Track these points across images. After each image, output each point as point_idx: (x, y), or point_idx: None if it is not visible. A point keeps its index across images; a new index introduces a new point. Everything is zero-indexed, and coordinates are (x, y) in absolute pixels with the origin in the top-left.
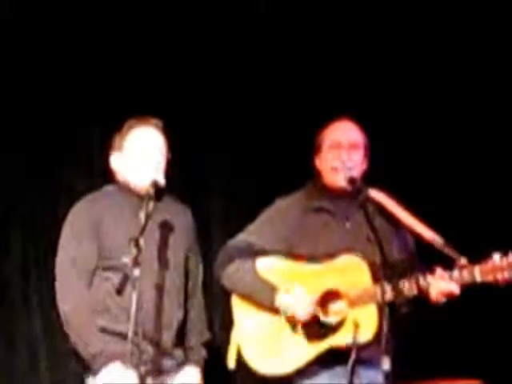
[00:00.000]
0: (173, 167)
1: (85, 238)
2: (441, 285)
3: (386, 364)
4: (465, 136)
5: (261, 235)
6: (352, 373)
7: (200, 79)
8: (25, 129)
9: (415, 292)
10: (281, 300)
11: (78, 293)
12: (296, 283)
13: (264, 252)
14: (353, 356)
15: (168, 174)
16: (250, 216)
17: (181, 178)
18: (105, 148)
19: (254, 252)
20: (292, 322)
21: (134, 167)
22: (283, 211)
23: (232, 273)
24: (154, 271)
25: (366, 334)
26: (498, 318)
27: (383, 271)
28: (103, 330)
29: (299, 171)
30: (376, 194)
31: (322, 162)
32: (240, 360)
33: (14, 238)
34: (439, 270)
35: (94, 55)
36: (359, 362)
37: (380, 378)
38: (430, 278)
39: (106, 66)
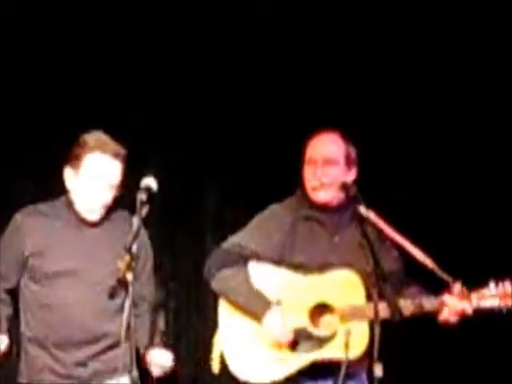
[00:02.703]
0: (168, 171)
1: (7, 253)
2: (456, 304)
3: (379, 371)
4: (459, 158)
5: (254, 239)
6: None
7: (200, 79)
8: (24, 130)
9: (411, 310)
10: (267, 321)
11: None
12: (287, 305)
13: (257, 256)
14: (343, 370)
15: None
16: (244, 219)
17: (175, 182)
18: None
19: (246, 256)
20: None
21: (83, 194)
22: (276, 217)
23: (225, 278)
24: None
25: (356, 350)
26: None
27: (377, 284)
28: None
29: (295, 175)
30: (365, 212)
31: (305, 178)
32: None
33: None
34: (448, 294)
35: (94, 56)
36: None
37: None
38: (444, 297)
39: (106, 66)
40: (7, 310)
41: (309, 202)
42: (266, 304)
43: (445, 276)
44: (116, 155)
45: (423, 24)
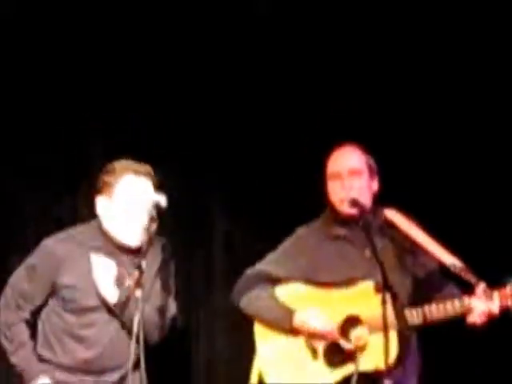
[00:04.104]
0: (176, 191)
1: (37, 278)
2: (481, 306)
3: None
4: (483, 160)
5: (279, 265)
6: None
7: (200, 79)
8: (24, 130)
9: (419, 321)
10: (299, 318)
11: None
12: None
13: (281, 281)
14: (354, 381)
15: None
16: (253, 239)
17: (183, 202)
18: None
19: (270, 281)
20: (313, 342)
21: (122, 219)
22: (302, 241)
23: (251, 299)
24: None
25: (382, 361)
26: None
27: (387, 295)
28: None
29: (301, 195)
30: (392, 215)
31: (330, 194)
32: None
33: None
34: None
35: (94, 56)
36: None
37: None
38: (467, 300)
39: (106, 66)
40: (30, 331)
41: (336, 219)
42: (290, 310)
43: (469, 278)
44: (148, 175)
45: (426, 25)
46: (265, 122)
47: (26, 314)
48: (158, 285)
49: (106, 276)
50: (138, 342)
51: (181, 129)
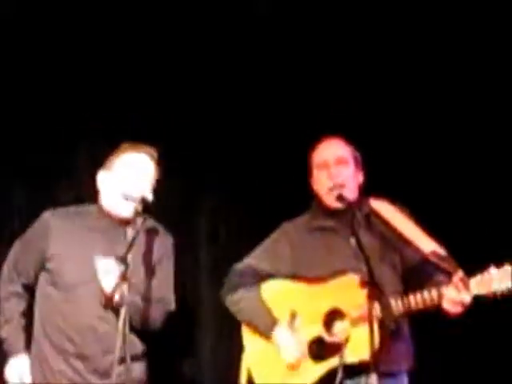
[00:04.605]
0: (161, 187)
1: (30, 249)
2: (454, 295)
3: (374, 381)
4: (465, 150)
5: (266, 260)
6: None
7: (200, 79)
8: (24, 130)
9: (399, 311)
10: (275, 337)
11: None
12: (301, 315)
13: (268, 275)
14: (339, 374)
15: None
16: (238, 236)
17: (169, 198)
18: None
19: (258, 276)
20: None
21: (118, 189)
22: (288, 234)
23: (236, 300)
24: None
25: (364, 353)
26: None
27: (372, 288)
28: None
29: (288, 192)
30: (378, 206)
31: (316, 184)
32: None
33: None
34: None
35: (94, 56)
36: (381, 375)
37: None
38: (442, 288)
39: (107, 66)
40: (23, 306)
41: (324, 209)
42: (272, 322)
43: (446, 266)
44: (148, 153)
45: (425, 25)
46: (263, 121)
47: (18, 288)
48: (151, 274)
49: (110, 278)
50: (124, 338)
51: (180, 129)
